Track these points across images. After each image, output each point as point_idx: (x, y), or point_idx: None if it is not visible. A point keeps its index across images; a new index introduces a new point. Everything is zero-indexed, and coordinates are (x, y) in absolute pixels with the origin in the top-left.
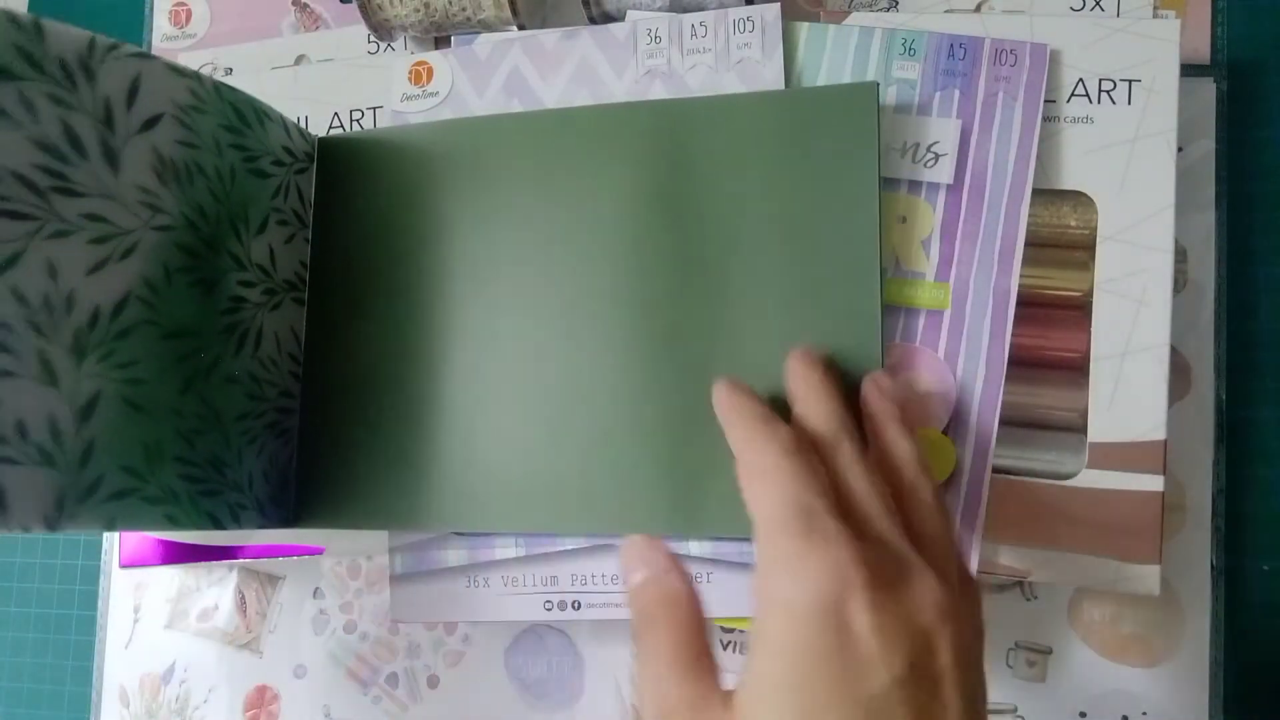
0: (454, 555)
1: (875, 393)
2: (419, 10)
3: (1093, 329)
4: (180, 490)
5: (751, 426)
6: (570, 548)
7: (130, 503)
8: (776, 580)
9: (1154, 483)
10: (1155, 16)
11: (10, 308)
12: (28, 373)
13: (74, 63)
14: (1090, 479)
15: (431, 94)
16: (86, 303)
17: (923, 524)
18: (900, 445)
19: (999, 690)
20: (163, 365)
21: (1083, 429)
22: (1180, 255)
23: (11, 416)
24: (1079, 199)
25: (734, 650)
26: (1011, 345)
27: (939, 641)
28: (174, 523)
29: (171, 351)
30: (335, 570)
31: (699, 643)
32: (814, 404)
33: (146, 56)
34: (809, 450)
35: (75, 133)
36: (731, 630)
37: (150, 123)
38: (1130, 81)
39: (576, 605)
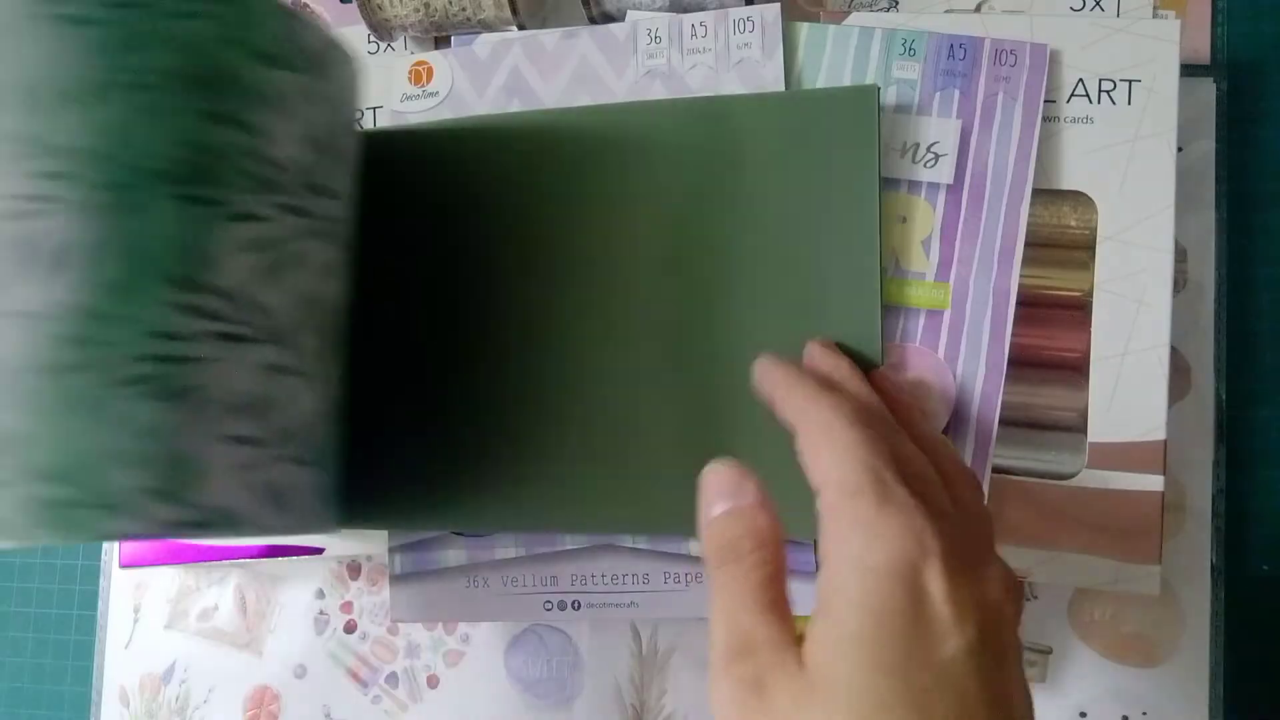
0: (454, 555)
1: (893, 387)
2: (419, 10)
3: (1093, 329)
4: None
5: (812, 394)
6: (570, 548)
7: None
8: (853, 543)
9: (1154, 483)
10: (1155, 16)
11: (300, 310)
12: (309, 373)
13: (318, 56)
14: (1090, 479)
15: (431, 94)
16: (331, 303)
17: (968, 510)
18: (935, 435)
19: None
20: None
21: (1083, 429)
22: (1180, 255)
23: (297, 416)
24: (1079, 199)
25: None
26: (1011, 345)
27: (1004, 617)
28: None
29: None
30: (335, 570)
31: (781, 584)
32: (855, 386)
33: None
34: (874, 421)
35: (321, 129)
36: None
37: (353, 121)
38: (1130, 81)
39: (576, 605)
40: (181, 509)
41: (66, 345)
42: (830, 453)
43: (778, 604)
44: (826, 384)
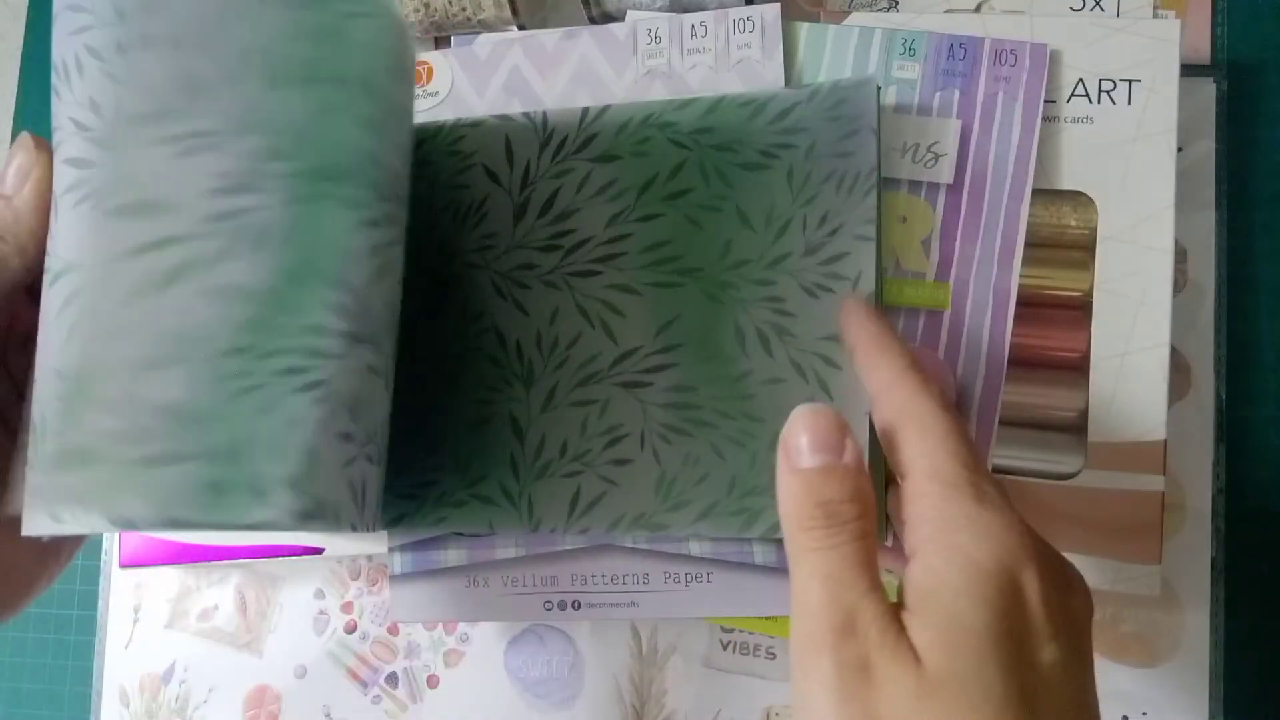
0: (454, 555)
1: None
2: (419, 10)
3: (1093, 329)
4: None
5: (903, 370)
6: (570, 548)
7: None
8: (958, 535)
9: (1154, 483)
10: (1155, 16)
11: (389, 314)
12: (387, 376)
13: (409, 70)
14: (1090, 479)
15: (431, 94)
16: (398, 307)
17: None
18: None
19: None
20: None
21: (1083, 429)
22: (1180, 255)
23: (378, 416)
24: (1079, 199)
25: (733, 650)
26: (1011, 345)
27: (1086, 633)
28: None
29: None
30: (335, 570)
31: (876, 562)
32: (923, 371)
33: None
34: (956, 411)
35: (407, 138)
36: (731, 630)
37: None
38: (1130, 81)
39: (576, 605)
40: (304, 500)
41: (252, 329)
42: (922, 439)
43: (879, 583)
44: (915, 360)
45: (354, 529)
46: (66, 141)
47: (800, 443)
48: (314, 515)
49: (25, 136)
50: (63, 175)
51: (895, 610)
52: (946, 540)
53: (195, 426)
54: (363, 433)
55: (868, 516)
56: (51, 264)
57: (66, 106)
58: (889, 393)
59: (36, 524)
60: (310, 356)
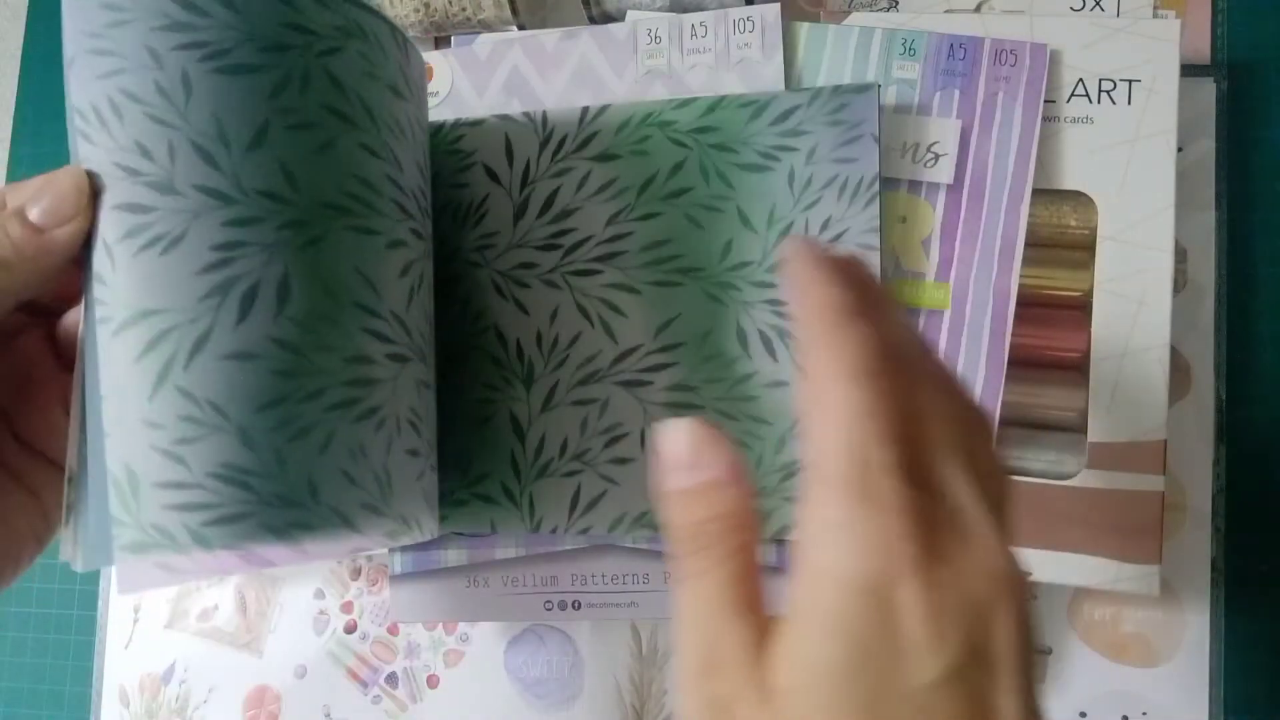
0: (454, 555)
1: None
2: (419, 10)
3: (1093, 329)
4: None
5: (827, 326)
6: (570, 548)
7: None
8: (822, 549)
9: (1154, 483)
10: (1155, 16)
11: (428, 327)
12: (433, 385)
13: (419, 83)
14: (1090, 479)
15: (431, 94)
16: (433, 318)
17: (984, 476)
18: (946, 371)
19: None
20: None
21: (1083, 429)
22: (1180, 255)
23: (433, 426)
24: (1079, 199)
25: None
26: (1011, 345)
27: (998, 618)
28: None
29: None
30: (335, 570)
31: (755, 579)
32: (889, 310)
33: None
34: (891, 371)
35: (423, 153)
36: None
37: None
38: (1130, 81)
39: (576, 605)
40: (389, 520)
41: (281, 379)
42: (818, 423)
43: (750, 606)
44: (848, 309)
45: (431, 536)
46: (114, 187)
47: (666, 459)
48: (400, 532)
49: (81, 174)
50: (115, 221)
51: (761, 641)
52: (813, 556)
53: (247, 484)
54: (425, 445)
55: (738, 532)
56: (110, 311)
57: (107, 152)
58: (806, 360)
59: (138, 578)
60: (360, 386)
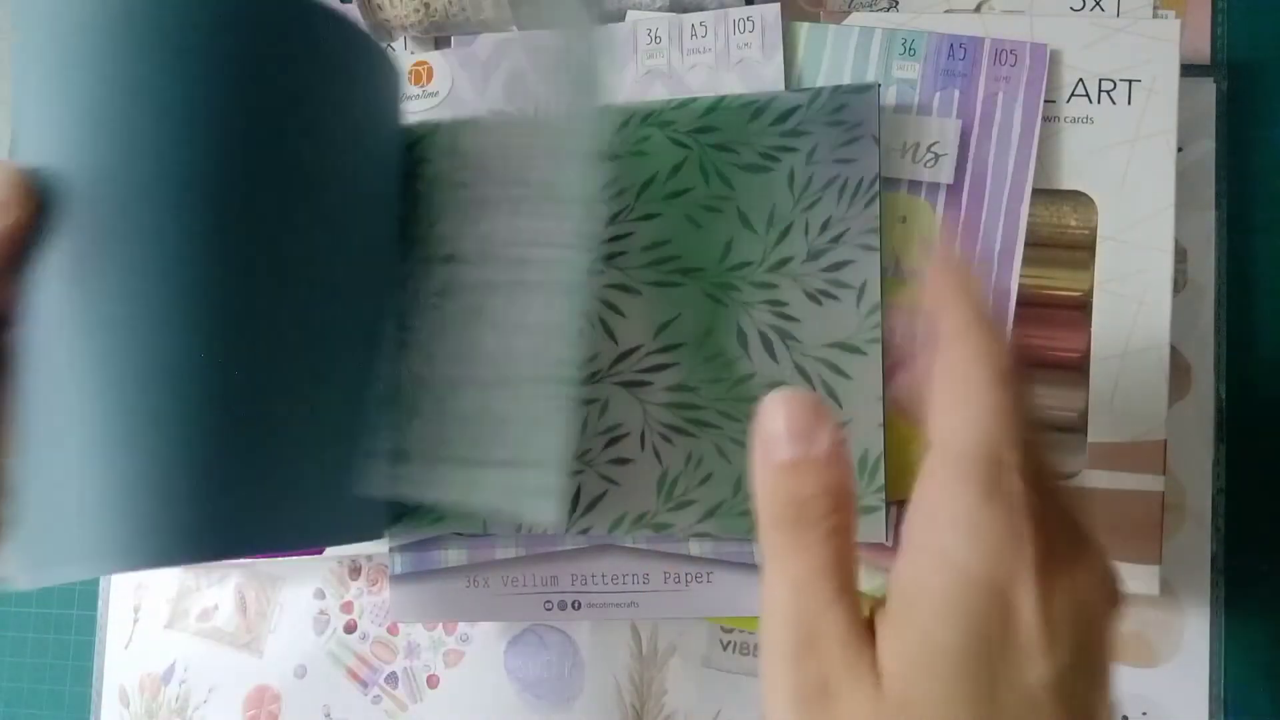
0: (454, 555)
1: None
2: (419, 10)
3: (1093, 329)
4: None
5: (981, 326)
6: (570, 548)
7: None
8: (949, 536)
9: (1154, 483)
10: (1155, 16)
11: None
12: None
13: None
14: (1090, 479)
15: (431, 94)
16: None
17: (1060, 485)
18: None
19: None
20: None
21: (1083, 429)
22: (1180, 255)
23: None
24: (1079, 199)
25: (733, 650)
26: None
27: (1105, 629)
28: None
29: None
30: (335, 570)
31: (854, 562)
32: (993, 329)
33: None
34: (1018, 380)
35: None
36: (731, 630)
37: None
38: (1130, 81)
39: (576, 605)
40: (561, 508)
41: (541, 360)
42: (955, 409)
43: (849, 588)
44: (987, 317)
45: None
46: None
47: (773, 431)
48: (561, 522)
49: (11, 168)
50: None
51: (864, 622)
52: (934, 541)
53: (504, 439)
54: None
55: (841, 512)
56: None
57: None
58: (944, 347)
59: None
60: (567, 385)
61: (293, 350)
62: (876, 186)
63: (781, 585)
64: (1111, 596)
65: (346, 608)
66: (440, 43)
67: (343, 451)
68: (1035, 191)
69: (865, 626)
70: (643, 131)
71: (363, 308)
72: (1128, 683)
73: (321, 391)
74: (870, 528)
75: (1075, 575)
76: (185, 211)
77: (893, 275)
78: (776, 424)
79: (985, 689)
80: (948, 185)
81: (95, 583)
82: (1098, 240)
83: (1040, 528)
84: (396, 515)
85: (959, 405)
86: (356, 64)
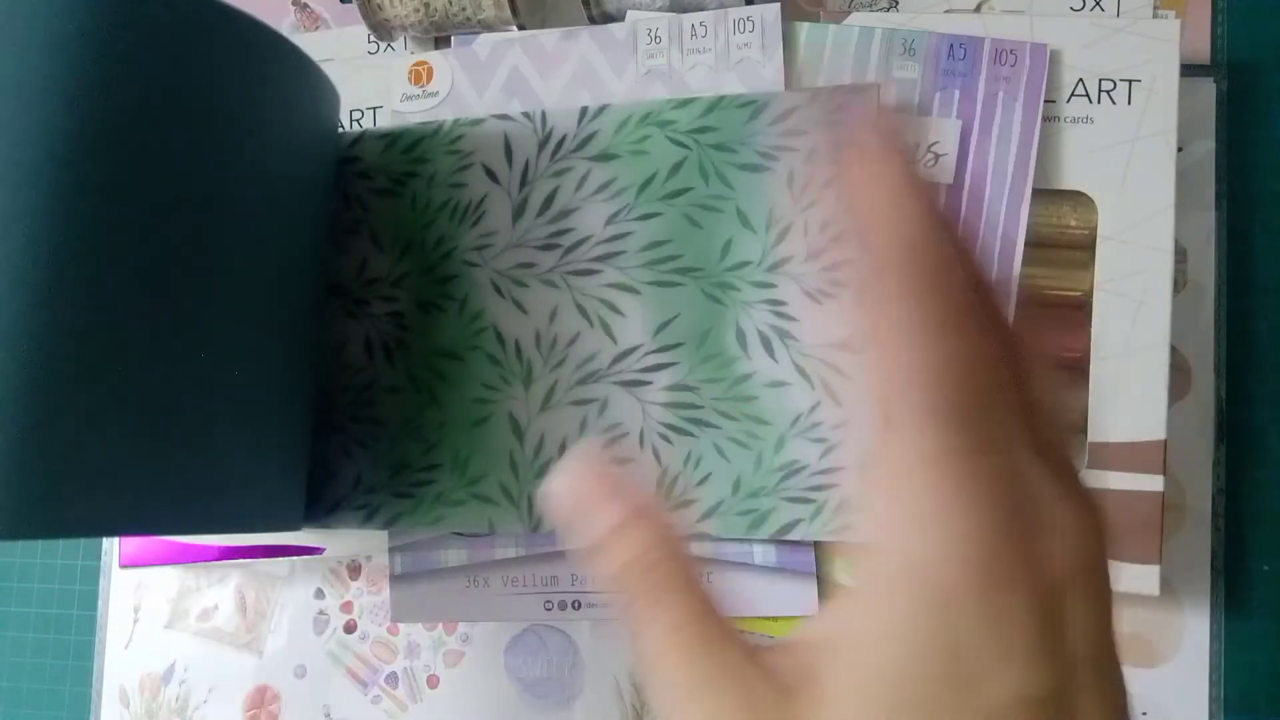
0: (454, 555)
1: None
2: (419, 10)
3: (1093, 329)
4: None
5: (922, 279)
6: (570, 548)
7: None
8: (908, 539)
9: (1154, 483)
10: (1155, 16)
11: None
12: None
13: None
14: (1090, 479)
15: (431, 94)
16: None
17: (1052, 451)
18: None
19: None
20: None
21: (1083, 429)
22: (1180, 255)
23: None
24: (1079, 199)
25: None
26: None
27: (1104, 618)
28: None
29: None
30: (335, 570)
31: (704, 605)
32: (962, 255)
33: None
34: (974, 324)
35: None
36: None
37: None
38: (1130, 81)
39: (576, 605)
40: None
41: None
42: (894, 377)
43: (730, 628)
44: (948, 260)
45: None
46: None
47: (581, 510)
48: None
49: None
50: None
51: (749, 646)
52: (883, 554)
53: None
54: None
55: (679, 551)
56: None
57: None
58: (873, 303)
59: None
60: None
61: (154, 343)
62: None
63: (662, 653)
64: (1104, 578)
65: (346, 608)
66: (440, 43)
67: (241, 444)
68: (1035, 191)
69: (773, 663)
70: (642, 131)
71: (275, 312)
72: (1128, 682)
73: (199, 384)
74: None
75: (1062, 563)
76: (37, 191)
77: None
78: (563, 509)
79: (939, 710)
80: (948, 185)
81: (95, 583)
82: (1098, 240)
83: (1018, 517)
84: (393, 516)
85: (892, 370)
86: (267, 68)
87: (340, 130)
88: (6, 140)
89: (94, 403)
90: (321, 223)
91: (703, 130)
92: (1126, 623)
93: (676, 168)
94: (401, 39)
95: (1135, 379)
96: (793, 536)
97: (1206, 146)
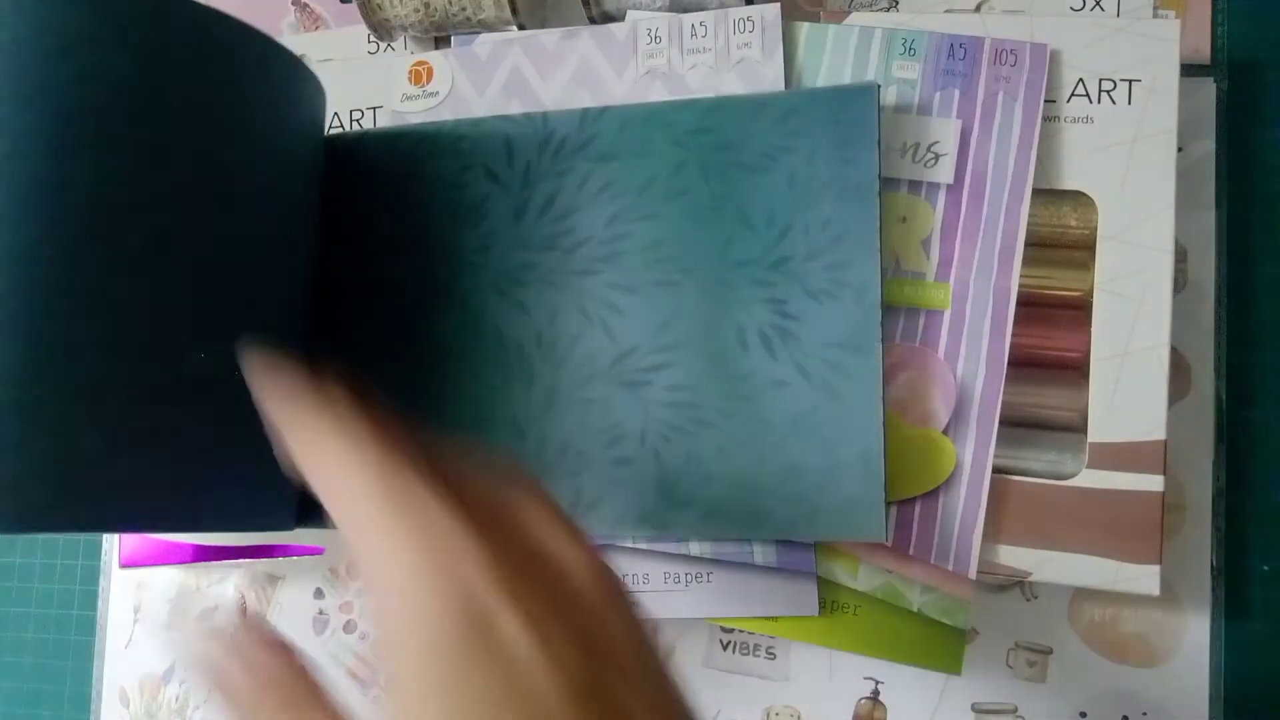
0: None
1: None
2: (419, 10)
3: (1093, 329)
4: None
5: (308, 408)
6: None
7: None
8: (391, 572)
9: (1154, 483)
10: (1155, 16)
11: None
12: None
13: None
14: (1090, 479)
15: (431, 94)
16: None
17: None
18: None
19: (999, 690)
20: None
21: (1083, 429)
22: (1180, 255)
23: None
24: (1079, 199)
25: (733, 650)
26: (1011, 345)
27: (612, 620)
28: None
29: None
30: (335, 570)
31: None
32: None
33: None
34: (386, 438)
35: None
36: (731, 630)
37: None
38: (1130, 81)
39: None
40: None
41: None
42: (336, 458)
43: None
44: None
45: None
46: None
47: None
48: None
49: None
50: None
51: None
52: (382, 579)
53: None
54: None
55: (284, 685)
56: None
57: None
58: (289, 428)
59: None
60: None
61: (140, 336)
62: (876, 186)
63: None
64: (609, 584)
65: (346, 608)
66: (440, 43)
67: (232, 442)
68: (1035, 191)
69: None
70: (643, 133)
71: (267, 308)
72: (1128, 683)
73: (193, 381)
74: (870, 527)
75: (554, 579)
76: (32, 191)
77: (893, 275)
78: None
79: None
80: (948, 185)
81: (95, 583)
82: (1098, 240)
83: (489, 540)
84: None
85: (332, 451)
86: (250, 65)
87: (340, 131)
88: None
89: (87, 397)
90: (311, 219)
91: (703, 131)
92: (1126, 623)
93: (677, 169)
94: (401, 39)
95: (1135, 379)
96: (793, 537)
97: (1206, 146)
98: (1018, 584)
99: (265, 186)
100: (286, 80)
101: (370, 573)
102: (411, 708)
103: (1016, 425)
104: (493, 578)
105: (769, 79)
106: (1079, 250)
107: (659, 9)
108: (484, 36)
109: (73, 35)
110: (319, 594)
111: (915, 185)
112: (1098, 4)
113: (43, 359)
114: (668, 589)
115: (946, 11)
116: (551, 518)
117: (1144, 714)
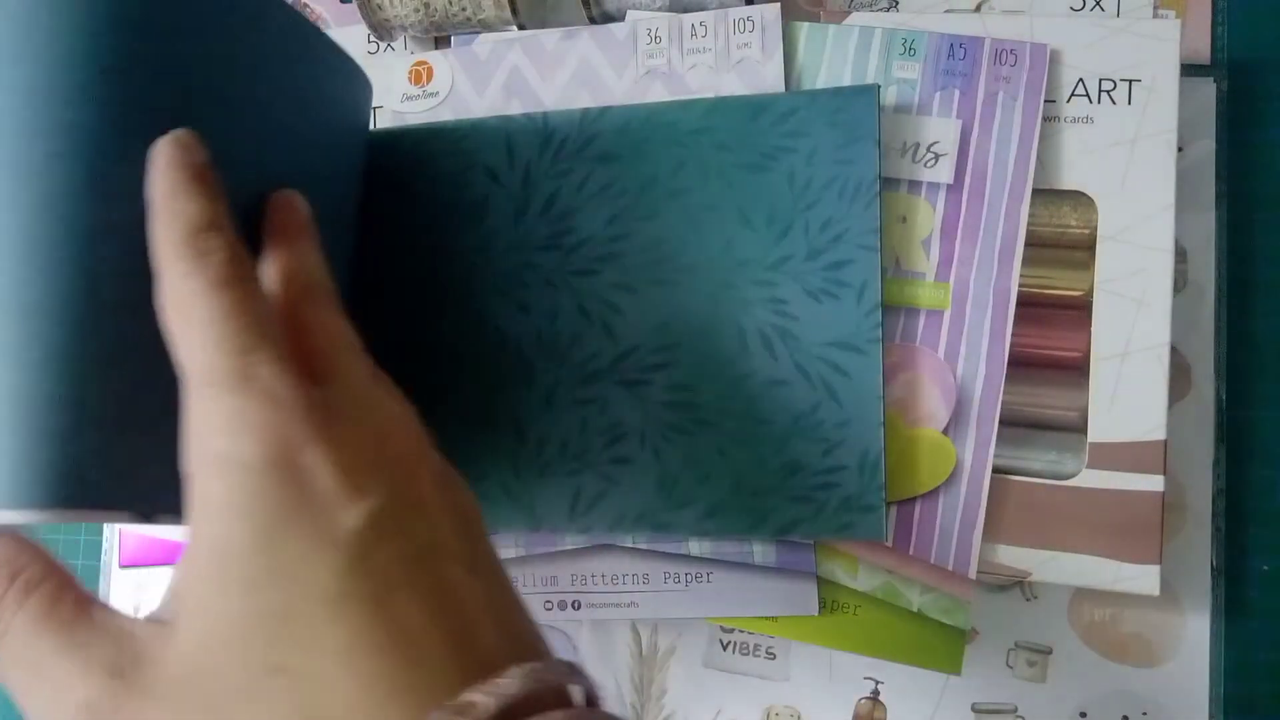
0: None
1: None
2: (419, 10)
3: (1093, 329)
4: None
5: (180, 242)
6: (570, 548)
7: None
8: (213, 440)
9: (1154, 483)
10: (1155, 16)
11: None
12: None
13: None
14: (1090, 479)
15: (431, 94)
16: None
17: (345, 358)
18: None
19: (999, 690)
20: None
21: (1083, 429)
22: (1180, 255)
23: None
24: (1079, 199)
25: (733, 650)
26: (1011, 345)
27: (420, 468)
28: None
29: None
30: None
31: (74, 596)
32: (295, 241)
33: None
34: (247, 279)
35: None
36: (731, 630)
37: None
38: (1130, 81)
39: (576, 605)
40: None
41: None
42: (184, 329)
43: (88, 607)
44: (204, 224)
45: None
46: None
47: None
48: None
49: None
50: None
51: (103, 618)
52: (199, 449)
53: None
54: None
55: (17, 562)
56: None
57: None
58: (162, 274)
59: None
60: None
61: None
62: (877, 186)
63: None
64: (421, 441)
65: None
66: (440, 43)
67: None
68: (1035, 191)
69: (120, 617)
70: (644, 133)
71: None
72: (1128, 682)
73: None
74: (870, 527)
75: (372, 427)
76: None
77: (893, 275)
78: None
79: (293, 559)
80: (948, 185)
81: (95, 583)
82: (1098, 240)
83: (312, 401)
84: None
85: (181, 322)
86: (306, 60)
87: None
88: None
89: (136, 392)
90: (354, 215)
91: (703, 131)
92: (1126, 623)
93: (677, 169)
94: (401, 39)
95: (1135, 379)
96: (793, 536)
97: (1206, 146)
98: (1018, 584)
99: (320, 179)
100: (342, 76)
101: (205, 442)
102: (212, 523)
103: (1016, 425)
104: (309, 420)
105: (769, 79)
106: (1079, 250)
107: (659, 9)
108: (484, 36)
109: (149, 22)
110: None
111: (915, 185)
112: (1098, 4)
113: (98, 355)
114: (668, 589)
115: (946, 11)
116: (375, 374)
117: (1144, 714)
